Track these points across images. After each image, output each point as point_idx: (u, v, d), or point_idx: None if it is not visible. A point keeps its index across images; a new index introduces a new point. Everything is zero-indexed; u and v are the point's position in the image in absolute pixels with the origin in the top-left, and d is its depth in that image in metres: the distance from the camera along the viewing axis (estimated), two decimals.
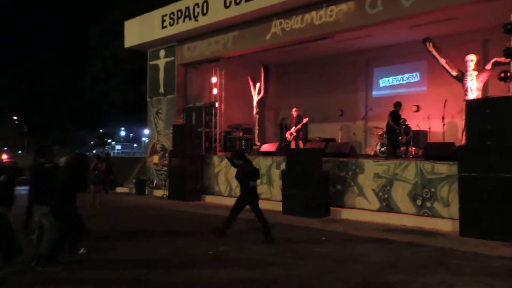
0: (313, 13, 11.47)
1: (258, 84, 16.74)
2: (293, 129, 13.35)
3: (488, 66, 10.64)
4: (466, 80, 11.00)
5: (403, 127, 12.11)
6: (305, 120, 13.34)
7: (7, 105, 47.93)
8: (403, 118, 12.38)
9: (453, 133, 12.59)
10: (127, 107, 31.85)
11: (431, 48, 11.88)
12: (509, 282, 5.27)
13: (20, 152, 46.67)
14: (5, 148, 43.02)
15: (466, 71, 11.10)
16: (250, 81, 16.71)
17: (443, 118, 11.83)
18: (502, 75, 8.70)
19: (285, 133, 14.10)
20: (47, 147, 6.91)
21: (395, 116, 12.09)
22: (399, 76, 14.92)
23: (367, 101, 15.37)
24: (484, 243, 7.23)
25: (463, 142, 10.34)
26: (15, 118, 51.28)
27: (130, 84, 28.64)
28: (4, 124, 49.02)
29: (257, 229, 7.92)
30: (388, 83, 15.22)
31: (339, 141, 14.28)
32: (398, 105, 12.32)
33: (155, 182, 15.82)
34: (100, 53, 29.59)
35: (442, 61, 11.67)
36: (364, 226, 9.06)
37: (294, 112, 13.61)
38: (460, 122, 12.10)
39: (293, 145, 13.42)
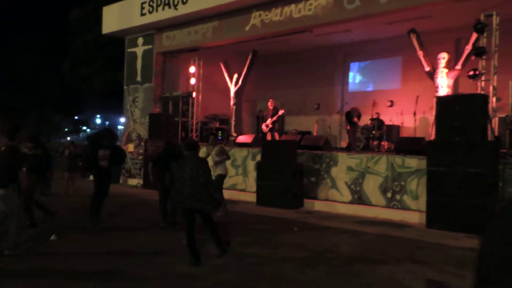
0: (292, 6, 11.53)
1: (235, 75, 16.72)
2: (269, 121, 13.42)
3: (458, 66, 10.95)
4: (436, 77, 11.30)
5: (374, 122, 12.50)
6: (280, 112, 13.42)
7: None
8: (377, 113, 12.67)
9: (424, 128, 12.92)
10: (105, 93, 31.29)
11: (413, 39, 12.14)
12: (469, 270, 5.50)
13: None
14: None
15: (437, 68, 11.39)
16: (225, 71, 16.63)
17: (414, 114, 12.13)
18: (471, 73, 8.96)
19: (262, 124, 14.17)
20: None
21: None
22: (375, 72, 15.16)
23: (343, 95, 15.57)
24: (448, 234, 7.48)
25: (433, 137, 10.66)
26: None
27: (109, 70, 28.13)
28: None
29: (231, 221, 7.97)
30: (364, 78, 15.45)
31: (315, 134, 14.44)
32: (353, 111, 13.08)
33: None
34: (81, 37, 28.93)
35: (420, 54, 11.95)
36: (336, 218, 9.24)
37: (270, 104, 13.67)
38: (431, 117, 12.43)
39: (269, 137, 13.50)
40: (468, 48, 10.31)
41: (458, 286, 4.96)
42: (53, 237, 6.62)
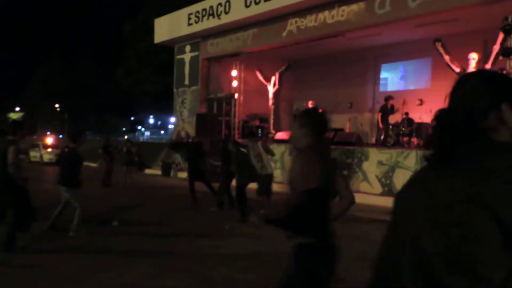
0: (326, 12, 11.45)
1: (273, 77, 16.78)
2: None
3: (488, 66, 10.50)
4: None
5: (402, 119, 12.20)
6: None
7: (50, 94, 49.02)
8: (405, 113, 12.35)
9: None
10: (156, 96, 32.26)
11: (439, 47, 11.74)
12: None
13: (61, 136, 47.83)
14: (48, 132, 44.15)
15: (468, 68, 10.96)
16: (260, 76, 16.69)
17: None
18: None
19: None
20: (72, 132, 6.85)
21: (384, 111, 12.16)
22: (405, 72, 14.79)
23: (375, 95, 15.29)
24: None
25: None
26: (57, 106, 52.37)
27: (159, 75, 28.97)
28: (48, 111, 50.20)
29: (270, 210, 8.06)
30: (394, 79, 15.10)
31: (347, 131, 14.28)
32: (388, 98, 12.30)
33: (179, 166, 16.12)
34: (133, 47, 29.94)
35: (446, 58, 11.55)
36: (367, 209, 9.13)
37: (310, 104, 13.68)
38: None
39: None
40: (496, 48, 9.86)
41: None
42: (115, 222, 6.95)
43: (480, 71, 1.20)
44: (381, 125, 12.60)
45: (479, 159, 0.94)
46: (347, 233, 6.69)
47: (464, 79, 1.15)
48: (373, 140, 14.25)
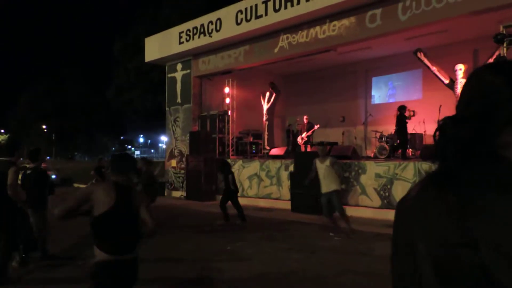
0: (317, 28, 11.52)
1: (267, 93, 16.79)
2: (304, 135, 13.41)
3: None
4: (456, 88, 10.98)
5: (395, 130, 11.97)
6: (316, 127, 13.38)
7: (37, 115, 48.46)
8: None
9: None
10: (147, 115, 32.05)
11: (422, 57, 11.85)
12: None
13: (48, 158, 47.11)
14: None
15: (456, 79, 11.07)
16: (261, 98, 16.70)
17: (438, 122, 11.77)
18: None
19: (292, 138, 14.10)
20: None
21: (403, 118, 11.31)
22: (396, 84, 14.91)
23: (367, 108, 15.36)
24: None
25: None
26: (44, 127, 51.76)
27: (150, 94, 28.85)
28: (35, 133, 49.54)
29: (269, 227, 7.91)
30: (385, 91, 15.21)
31: (342, 144, 14.25)
32: (403, 108, 11.41)
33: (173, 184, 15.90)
34: (123, 66, 29.84)
35: (434, 69, 11.64)
36: (367, 222, 9.04)
37: (305, 119, 13.67)
38: None
39: (303, 149, 13.46)
40: (491, 61, 9.96)
41: None
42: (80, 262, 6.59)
43: (498, 64, 0.87)
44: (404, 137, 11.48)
45: (482, 192, 0.74)
46: (352, 249, 6.58)
47: (477, 74, 0.88)
48: (368, 153, 14.24)
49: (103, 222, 2.72)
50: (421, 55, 11.81)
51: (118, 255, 2.75)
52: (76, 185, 22.55)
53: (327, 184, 7.35)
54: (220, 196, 9.54)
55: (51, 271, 5.57)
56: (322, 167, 7.44)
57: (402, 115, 11.15)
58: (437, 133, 0.87)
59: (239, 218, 8.86)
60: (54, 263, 5.85)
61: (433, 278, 0.76)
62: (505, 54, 8.55)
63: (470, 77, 0.89)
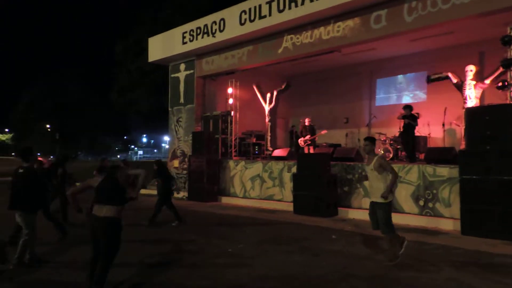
0: (322, 28, 11.42)
1: (268, 94, 16.71)
2: (307, 137, 13.27)
3: (487, 81, 10.45)
4: (465, 89, 10.84)
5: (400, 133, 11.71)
6: (323, 132, 13.20)
7: (41, 114, 48.57)
8: (403, 126, 12.18)
9: (451, 138, 12.42)
10: (150, 115, 32.01)
11: (435, 77, 11.63)
12: None
13: (51, 157, 47.17)
14: (38, 154, 43.46)
15: (465, 80, 10.94)
16: (258, 92, 16.63)
17: (443, 125, 11.66)
18: (500, 84, 8.52)
19: (295, 139, 13.97)
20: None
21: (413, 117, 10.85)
22: (401, 86, 14.78)
23: (371, 109, 15.24)
24: (485, 241, 7.06)
25: (462, 147, 10.17)
26: (48, 126, 51.86)
27: (153, 95, 28.82)
28: (38, 131, 49.64)
29: (271, 229, 7.81)
30: (390, 93, 15.08)
31: (345, 146, 14.15)
32: (408, 107, 10.92)
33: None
34: (125, 67, 29.81)
35: (449, 74, 11.36)
36: (370, 225, 8.90)
37: (307, 121, 13.53)
38: (458, 128, 11.92)
39: (306, 151, 13.33)
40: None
41: None
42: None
43: None
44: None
45: None
46: (355, 253, 6.47)
47: None
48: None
49: None
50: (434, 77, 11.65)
51: None
52: (78, 184, 22.51)
53: (372, 192, 5.87)
54: (224, 197, 9.42)
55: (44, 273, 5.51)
56: (367, 170, 5.92)
57: (409, 115, 10.59)
58: None
59: (177, 220, 9.16)
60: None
61: None
62: None
63: None
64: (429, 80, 11.81)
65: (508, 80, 8.18)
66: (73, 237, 7.45)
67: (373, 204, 5.85)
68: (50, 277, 5.30)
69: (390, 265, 5.65)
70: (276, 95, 16.69)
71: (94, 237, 4.48)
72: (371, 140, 5.96)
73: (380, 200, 5.67)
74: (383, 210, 5.70)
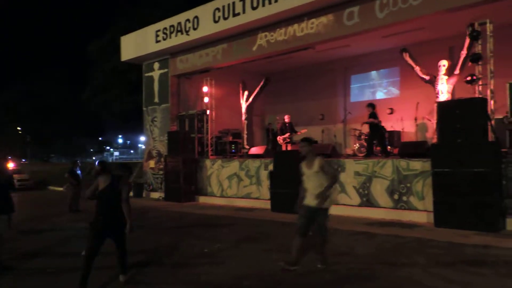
0: (295, 25, 11.42)
1: (246, 92, 16.63)
2: (287, 135, 13.24)
3: (457, 71, 10.68)
4: (437, 84, 11.04)
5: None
6: (303, 131, 13.17)
7: (12, 117, 47.01)
8: (378, 120, 12.34)
9: (424, 132, 12.65)
10: (125, 116, 31.40)
11: (407, 58, 11.90)
12: (488, 268, 5.20)
13: (23, 160, 45.74)
14: (9, 157, 42.01)
15: (438, 75, 11.14)
16: (241, 90, 16.59)
17: (415, 119, 11.85)
18: (469, 78, 8.72)
19: (272, 136, 13.92)
20: None
21: (375, 115, 11.19)
22: (374, 82, 14.96)
23: (346, 106, 15.36)
24: (458, 232, 7.20)
25: (434, 140, 10.37)
26: (19, 129, 50.24)
27: (128, 95, 28.26)
28: (9, 134, 47.99)
29: (249, 227, 7.75)
30: (364, 89, 15.25)
31: (321, 142, 14.20)
32: (371, 105, 11.26)
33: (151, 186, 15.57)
34: (99, 67, 29.15)
35: (417, 69, 11.69)
36: (347, 221, 8.97)
37: (286, 119, 13.49)
38: (429, 122, 12.14)
39: (284, 149, 13.30)
40: (463, 53, 10.05)
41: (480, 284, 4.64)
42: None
43: None
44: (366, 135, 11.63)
45: None
46: (331, 248, 6.45)
47: None
48: (347, 151, 14.24)
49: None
50: (406, 56, 11.88)
51: None
52: (51, 187, 21.92)
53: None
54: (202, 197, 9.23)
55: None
56: (309, 173, 5.28)
57: (373, 113, 11.01)
58: None
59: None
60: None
61: None
62: (480, 50, 8.63)
63: None
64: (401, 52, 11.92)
65: (476, 74, 8.36)
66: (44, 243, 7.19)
67: (314, 209, 5.18)
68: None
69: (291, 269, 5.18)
70: (256, 93, 16.59)
71: (99, 234, 4.68)
72: (308, 141, 5.32)
73: (325, 205, 5.17)
74: (326, 216, 5.30)
